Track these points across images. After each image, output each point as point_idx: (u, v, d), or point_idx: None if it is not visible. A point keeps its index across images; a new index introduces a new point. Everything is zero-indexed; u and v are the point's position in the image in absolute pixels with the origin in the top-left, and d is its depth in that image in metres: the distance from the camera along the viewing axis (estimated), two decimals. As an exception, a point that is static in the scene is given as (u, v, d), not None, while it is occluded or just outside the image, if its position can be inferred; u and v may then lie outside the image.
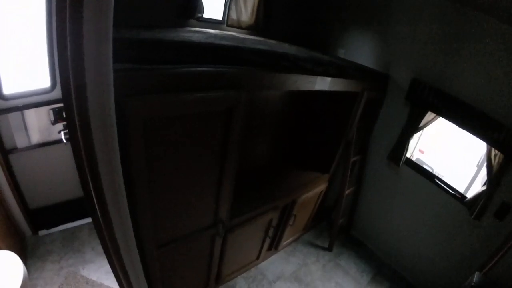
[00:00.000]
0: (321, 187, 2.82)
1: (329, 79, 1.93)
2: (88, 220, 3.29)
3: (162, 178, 1.35)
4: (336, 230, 3.27)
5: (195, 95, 1.19)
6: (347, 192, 3.07)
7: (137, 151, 1.15)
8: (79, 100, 0.89)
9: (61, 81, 0.98)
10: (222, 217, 1.80)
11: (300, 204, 2.59)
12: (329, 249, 3.39)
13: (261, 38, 2.31)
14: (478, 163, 5.31)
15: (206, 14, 2.89)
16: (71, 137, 1.04)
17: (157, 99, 1.10)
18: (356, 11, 3.13)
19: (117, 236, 1.16)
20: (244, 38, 1.88)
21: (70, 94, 0.94)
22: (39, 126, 2.75)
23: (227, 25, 3.07)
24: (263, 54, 1.48)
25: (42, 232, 3.15)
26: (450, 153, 6.41)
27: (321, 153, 2.88)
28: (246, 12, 3.03)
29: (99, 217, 1.12)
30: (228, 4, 2.99)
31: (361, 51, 3.12)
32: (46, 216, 3.14)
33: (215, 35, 1.66)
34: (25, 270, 2.08)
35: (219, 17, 3.09)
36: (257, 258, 2.78)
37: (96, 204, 1.08)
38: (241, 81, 1.34)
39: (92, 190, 1.04)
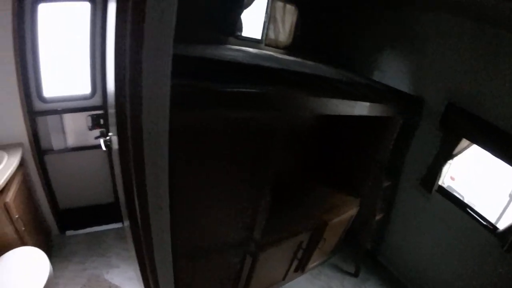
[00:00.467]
0: (353, 210, 2.77)
1: (368, 104, 1.91)
2: (115, 225, 3.33)
3: (200, 191, 1.35)
4: (363, 255, 3.19)
5: (242, 114, 1.20)
6: (377, 218, 2.99)
7: (178, 163, 1.16)
8: (134, 112, 0.91)
9: (115, 92, 1.01)
10: (256, 235, 1.79)
11: (331, 227, 2.54)
12: (355, 274, 3.29)
13: (299, 59, 2.32)
14: (511, 193, 5.10)
15: (244, 33, 2.92)
16: (120, 145, 1.06)
17: (203, 114, 1.12)
18: (388, 31, 3.10)
19: (154, 247, 1.17)
20: (284, 59, 1.90)
21: (125, 105, 0.97)
22: (76, 130, 2.84)
23: (265, 45, 3.11)
24: (307, 77, 1.49)
25: (69, 233, 3.21)
26: (482, 181, 6.18)
27: (351, 175, 2.84)
28: (284, 32, 3.07)
29: (140, 226, 1.14)
30: (266, 23, 3.03)
31: (394, 72, 3.07)
32: (74, 217, 3.21)
33: (256, 55, 1.69)
34: (51, 267, 2.11)
35: (256, 35, 3.12)
36: (283, 278, 2.73)
37: (138, 213, 1.09)
38: (284, 103, 1.35)
39: (136, 199, 1.06)
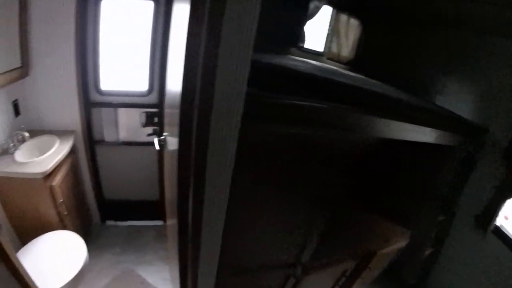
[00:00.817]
0: (402, 242, 2.60)
1: (435, 131, 1.78)
2: (156, 223, 3.37)
3: (257, 206, 1.30)
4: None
5: (307, 130, 1.13)
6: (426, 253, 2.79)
7: (237, 175, 1.11)
8: (202, 118, 0.87)
9: (182, 95, 0.97)
10: (304, 258, 1.71)
11: (379, 257, 2.40)
12: (395, 310, 3.11)
13: (363, 76, 2.22)
14: None
15: (307, 44, 2.82)
16: (181, 148, 1.03)
17: (273, 128, 1.06)
18: (454, 53, 2.92)
19: (201, 255, 1.13)
20: (347, 75, 1.82)
21: (191, 109, 0.93)
22: (129, 125, 2.91)
23: (327, 58, 3.01)
24: (372, 96, 1.40)
25: (110, 223, 3.29)
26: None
27: (404, 205, 2.67)
28: (347, 46, 2.97)
29: (189, 231, 1.10)
30: (330, 37, 2.94)
31: (457, 98, 2.89)
32: (117, 209, 3.28)
33: (322, 68, 1.62)
34: (87, 254, 2.15)
35: (316, 48, 3.01)
36: (321, 305, 2.62)
37: (190, 222, 1.06)
38: (353, 122, 1.26)
39: (190, 208, 1.02)
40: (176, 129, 1.10)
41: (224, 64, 0.82)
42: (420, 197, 2.54)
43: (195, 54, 0.88)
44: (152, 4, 2.58)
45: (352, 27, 2.94)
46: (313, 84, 1.24)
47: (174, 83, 1.22)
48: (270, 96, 1.02)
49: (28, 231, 2.30)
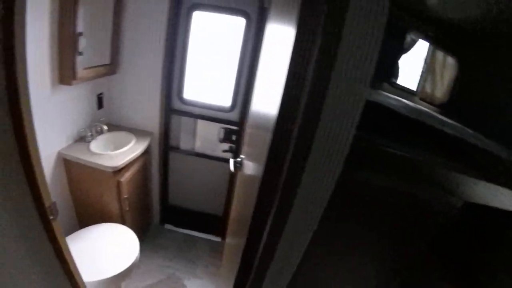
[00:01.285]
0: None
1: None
2: (214, 238, 3.36)
3: (331, 252, 1.21)
4: None
5: (415, 188, 1.02)
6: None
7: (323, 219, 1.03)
8: (298, 155, 0.81)
9: (277, 125, 0.92)
10: None
11: None
12: None
13: (458, 124, 2.03)
14: None
15: (399, 80, 2.68)
16: (266, 177, 0.97)
17: (373, 176, 0.97)
18: None
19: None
20: (454, 125, 1.64)
21: (287, 141, 0.88)
22: (205, 137, 2.96)
23: (420, 98, 2.83)
24: (491, 159, 1.23)
25: (168, 226, 3.35)
26: None
27: (478, 278, 2.36)
28: (442, 87, 2.76)
29: (255, 266, 1.04)
30: (425, 74, 2.76)
31: None
32: (178, 215, 3.35)
33: (415, 110, 1.48)
34: (139, 254, 2.16)
35: (410, 86, 2.83)
36: None
37: (260, 253, 1.00)
38: (464, 188, 1.12)
39: (264, 240, 0.97)
40: (260, 153, 1.05)
41: (333, 100, 0.75)
42: (501, 275, 2.22)
43: (298, 84, 0.83)
44: (244, 21, 2.60)
45: (448, 66, 2.73)
46: (419, 131, 1.12)
47: (265, 105, 1.18)
48: (378, 141, 0.93)
49: (88, 217, 2.44)
